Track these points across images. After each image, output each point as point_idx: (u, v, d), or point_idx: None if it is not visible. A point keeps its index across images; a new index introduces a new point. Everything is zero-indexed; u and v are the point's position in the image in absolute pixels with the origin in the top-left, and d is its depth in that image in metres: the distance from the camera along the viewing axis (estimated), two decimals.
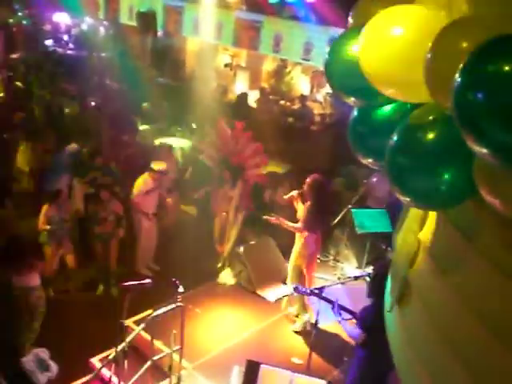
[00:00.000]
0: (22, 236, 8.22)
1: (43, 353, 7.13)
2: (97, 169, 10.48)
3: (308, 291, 7.02)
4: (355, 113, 3.64)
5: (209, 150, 10.60)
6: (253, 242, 9.99)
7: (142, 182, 10.00)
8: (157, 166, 10.10)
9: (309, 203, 8.22)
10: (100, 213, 9.33)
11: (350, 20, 3.81)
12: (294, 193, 8.51)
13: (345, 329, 6.15)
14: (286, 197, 8.66)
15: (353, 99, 3.53)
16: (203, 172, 10.93)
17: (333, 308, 6.23)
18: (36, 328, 7.86)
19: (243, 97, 15.96)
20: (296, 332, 8.57)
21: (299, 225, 8.26)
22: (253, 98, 16.40)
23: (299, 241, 8.40)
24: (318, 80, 16.52)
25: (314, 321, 6.90)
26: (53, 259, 9.18)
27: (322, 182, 8.37)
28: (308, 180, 8.30)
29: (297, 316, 8.72)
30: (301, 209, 8.40)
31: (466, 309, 3.01)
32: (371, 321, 5.74)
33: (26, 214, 10.28)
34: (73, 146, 11.41)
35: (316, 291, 6.84)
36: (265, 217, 8.71)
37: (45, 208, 9.11)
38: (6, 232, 9.43)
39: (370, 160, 3.62)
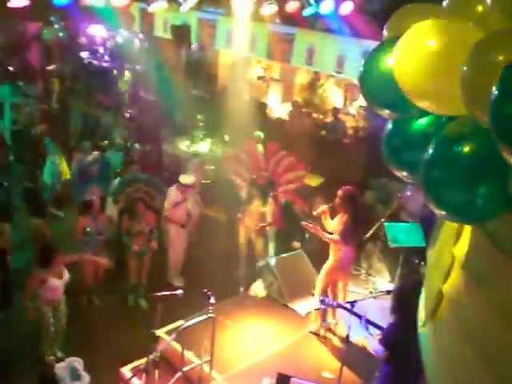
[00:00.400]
0: (52, 246, 8.32)
1: (77, 362, 7.22)
2: (137, 180, 10.50)
3: (335, 304, 6.96)
4: (389, 126, 3.62)
5: (237, 167, 10.68)
6: (285, 255, 9.97)
7: (171, 194, 10.13)
8: (184, 179, 10.25)
9: (345, 216, 8.16)
10: (135, 226, 9.39)
11: (385, 33, 3.81)
12: (325, 207, 8.46)
13: (371, 344, 6.10)
14: (316, 212, 8.59)
15: (387, 112, 3.52)
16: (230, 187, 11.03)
17: (361, 322, 6.17)
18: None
19: (261, 107, 16.03)
20: (311, 332, 8.61)
21: (336, 237, 8.22)
22: (285, 111, 16.43)
23: (334, 253, 8.35)
24: (350, 93, 16.47)
25: (345, 335, 6.85)
26: (88, 270, 9.27)
27: (354, 193, 8.32)
28: (340, 192, 8.24)
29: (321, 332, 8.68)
30: (330, 223, 8.36)
31: (503, 324, 2.97)
32: (394, 338, 5.68)
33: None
34: (94, 154, 11.50)
35: (342, 304, 6.77)
36: (304, 223, 8.65)
37: (80, 219, 9.23)
38: (41, 241, 9.57)
39: (405, 173, 3.60)
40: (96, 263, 9.26)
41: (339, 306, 6.77)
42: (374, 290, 10.00)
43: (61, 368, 7.42)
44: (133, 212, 9.43)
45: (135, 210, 9.40)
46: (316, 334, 8.64)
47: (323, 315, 8.60)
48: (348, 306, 6.73)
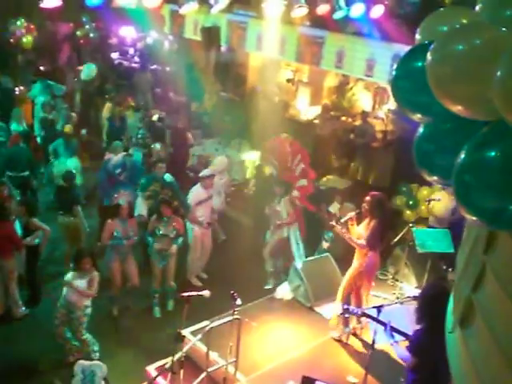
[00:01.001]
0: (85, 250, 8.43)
1: (99, 368, 7.31)
2: (157, 180, 10.56)
3: (359, 312, 6.92)
4: (421, 130, 3.59)
5: (270, 163, 10.76)
6: (311, 258, 9.95)
7: (194, 192, 10.19)
8: (204, 172, 10.37)
9: (372, 222, 8.13)
10: (161, 228, 9.44)
11: (417, 36, 3.78)
12: (352, 214, 8.41)
13: (397, 351, 6.05)
14: (343, 220, 8.49)
15: (419, 116, 3.49)
16: (266, 185, 11.05)
17: (385, 330, 6.12)
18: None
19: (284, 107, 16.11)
20: (335, 339, 8.57)
21: (363, 242, 8.17)
22: (314, 114, 16.40)
23: (360, 258, 8.29)
24: (380, 96, 16.37)
25: (370, 340, 6.81)
26: (117, 275, 9.33)
27: (382, 199, 8.28)
28: (367, 198, 8.21)
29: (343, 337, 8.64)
30: (356, 229, 8.30)
31: None
32: (422, 345, 5.62)
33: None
34: (120, 156, 11.56)
35: (367, 312, 6.71)
36: (331, 223, 8.62)
37: (108, 223, 9.29)
38: (76, 241, 9.66)
39: (436, 178, 3.57)
40: (124, 266, 9.34)
41: (364, 314, 6.71)
42: (400, 296, 9.92)
43: (79, 366, 7.49)
44: (160, 214, 9.46)
45: (162, 212, 9.43)
46: (338, 340, 8.60)
47: (345, 321, 8.55)
48: (374, 310, 6.69)
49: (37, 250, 9.56)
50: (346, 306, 7.29)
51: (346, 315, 7.80)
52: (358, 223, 8.36)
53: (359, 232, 8.25)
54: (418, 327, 5.79)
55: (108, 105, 16.07)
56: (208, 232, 10.59)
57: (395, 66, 3.59)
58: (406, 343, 6.05)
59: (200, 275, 10.72)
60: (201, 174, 10.43)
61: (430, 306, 5.51)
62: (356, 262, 8.34)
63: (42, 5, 7.24)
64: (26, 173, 11.98)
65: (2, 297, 9.11)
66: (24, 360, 8.28)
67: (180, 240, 9.53)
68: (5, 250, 8.82)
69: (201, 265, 10.76)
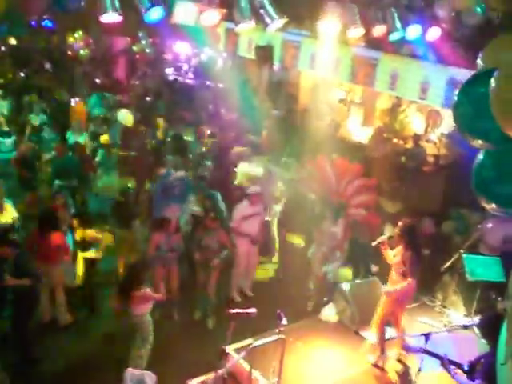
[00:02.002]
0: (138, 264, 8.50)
1: (149, 377, 7.33)
2: (207, 196, 10.61)
3: (421, 350, 6.76)
4: (481, 156, 3.52)
5: (311, 184, 10.70)
6: (359, 281, 9.84)
7: (239, 208, 10.20)
8: (251, 189, 10.36)
9: (404, 249, 8.03)
10: (206, 239, 9.47)
11: (479, 62, 3.72)
12: (384, 238, 8.33)
13: (460, 382, 5.92)
14: (374, 243, 8.46)
15: (480, 142, 3.43)
16: (301, 205, 11.03)
17: (441, 363, 5.99)
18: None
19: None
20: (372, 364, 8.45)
21: (402, 268, 8.06)
22: (365, 135, 16.32)
23: (394, 285, 8.20)
24: (433, 119, 16.18)
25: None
26: (161, 285, 9.38)
27: (413, 227, 8.16)
28: (399, 224, 8.13)
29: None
30: (390, 254, 8.25)
31: None
32: (494, 370, 5.47)
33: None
34: (178, 174, 11.68)
35: (427, 349, 6.53)
36: (374, 243, 8.54)
37: (153, 236, 9.38)
38: (131, 253, 9.75)
39: (494, 206, 3.49)
40: (168, 277, 9.40)
41: (424, 351, 6.53)
42: (448, 324, 9.72)
43: (130, 374, 7.54)
44: (205, 226, 9.51)
45: (207, 224, 9.48)
46: (376, 365, 8.47)
47: (382, 347, 8.44)
48: (422, 338, 6.57)
49: (94, 262, 9.67)
50: (406, 345, 7.18)
51: (407, 352, 7.69)
52: (392, 248, 8.29)
53: (392, 257, 8.20)
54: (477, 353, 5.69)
55: (160, 121, 16.31)
56: (254, 248, 10.58)
57: (457, 92, 3.53)
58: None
59: (246, 292, 10.70)
60: (248, 191, 10.44)
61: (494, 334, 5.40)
62: (391, 289, 8.25)
63: (102, 19, 7.34)
64: (75, 182, 12.18)
65: (48, 305, 9.24)
66: (69, 368, 8.36)
67: (224, 253, 9.56)
68: (54, 258, 8.96)
69: (246, 281, 10.75)
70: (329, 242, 10.04)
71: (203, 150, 14.24)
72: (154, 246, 9.26)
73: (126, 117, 14.31)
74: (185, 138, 14.81)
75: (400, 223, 8.13)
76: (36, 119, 14.91)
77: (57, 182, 12.02)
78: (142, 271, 7.96)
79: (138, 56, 22.89)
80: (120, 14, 7.30)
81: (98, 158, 13.10)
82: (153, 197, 11.76)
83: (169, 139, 14.78)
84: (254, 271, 10.74)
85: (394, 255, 8.20)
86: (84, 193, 12.69)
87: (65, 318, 9.34)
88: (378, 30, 10.63)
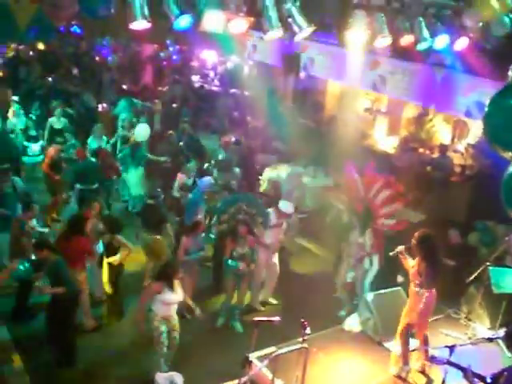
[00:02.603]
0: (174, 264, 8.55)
1: (178, 377, 7.38)
2: (237, 200, 10.59)
3: (445, 361, 6.70)
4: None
5: (338, 193, 10.68)
6: (383, 291, 9.76)
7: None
8: (284, 206, 10.33)
9: (420, 259, 7.99)
10: (238, 249, 9.47)
11: (511, 73, 3.70)
12: (401, 248, 8.27)
13: None
14: (392, 253, 8.42)
15: (511, 154, 3.40)
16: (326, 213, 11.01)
17: (465, 375, 5.94)
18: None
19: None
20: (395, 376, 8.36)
21: (419, 279, 8.02)
22: (391, 144, 16.26)
23: (414, 297, 8.14)
24: (459, 129, 16.07)
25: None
26: (188, 289, 9.42)
27: (429, 237, 8.07)
28: (415, 235, 8.06)
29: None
30: (409, 263, 8.21)
31: None
32: None
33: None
34: (208, 178, 11.75)
35: (453, 362, 6.46)
36: (392, 253, 8.51)
37: (184, 240, 9.44)
38: (160, 257, 9.79)
39: None
40: (186, 278, 9.42)
41: (449, 363, 6.47)
42: (472, 336, 9.60)
43: (161, 378, 7.60)
44: (236, 235, 9.51)
45: (238, 232, 9.48)
46: (399, 376, 8.39)
47: (405, 359, 8.36)
48: (446, 350, 6.51)
49: (120, 268, 9.74)
50: (432, 355, 7.12)
51: (432, 363, 7.63)
52: (412, 258, 8.25)
53: (411, 266, 8.16)
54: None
55: (183, 126, 16.43)
56: (275, 257, 10.58)
57: (487, 103, 3.51)
58: None
59: (268, 300, 10.70)
60: (281, 207, 10.43)
61: None
62: (410, 301, 8.20)
63: (132, 26, 7.41)
64: (95, 186, 12.30)
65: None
66: (94, 371, 8.45)
67: (255, 256, 9.64)
68: (79, 263, 9.03)
69: (268, 290, 10.75)
70: (356, 252, 10.00)
71: (227, 156, 14.28)
72: (183, 251, 9.36)
73: (142, 131, 14.42)
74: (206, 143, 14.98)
75: (416, 234, 8.07)
76: (58, 123, 15.09)
77: (78, 185, 12.15)
78: (173, 274, 8.01)
79: (165, 63, 23.06)
80: (149, 22, 7.37)
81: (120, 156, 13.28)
82: (183, 202, 11.83)
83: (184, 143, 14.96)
84: (275, 280, 10.73)
85: (412, 266, 8.15)
86: (108, 197, 12.82)
87: (90, 323, 9.41)
88: (406, 40, 10.56)
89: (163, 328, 8.01)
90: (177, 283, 8.10)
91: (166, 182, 13.38)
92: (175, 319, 8.19)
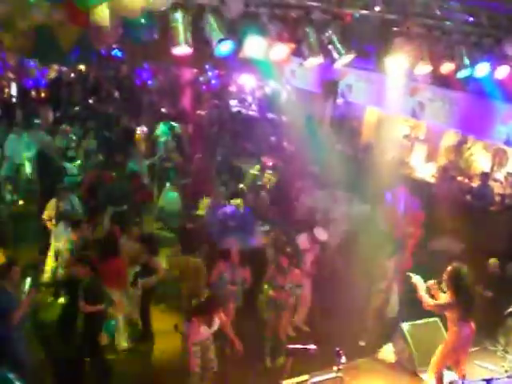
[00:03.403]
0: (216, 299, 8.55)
1: None
2: (274, 224, 10.56)
3: None
4: None
5: (378, 218, 10.64)
6: (419, 322, 9.60)
7: (299, 241, 10.18)
8: (318, 233, 10.30)
9: (455, 298, 7.85)
10: (278, 279, 9.36)
11: None
12: (431, 282, 8.16)
13: None
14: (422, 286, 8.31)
15: None
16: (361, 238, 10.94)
17: None
18: None
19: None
20: None
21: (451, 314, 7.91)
22: (429, 172, 16.14)
23: (450, 330, 8.02)
24: (499, 158, 15.89)
25: None
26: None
27: (459, 271, 7.93)
28: (447, 270, 7.94)
29: None
30: (441, 297, 8.06)
31: None
32: None
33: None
34: (237, 202, 11.74)
35: None
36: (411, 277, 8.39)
37: (218, 264, 9.42)
38: (200, 280, 9.80)
39: None
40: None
41: None
42: (510, 369, 9.38)
43: None
44: (279, 265, 9.45)
45: (279, 262, 9.42)
46: None
47: None
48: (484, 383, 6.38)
49: (152, 289, 9.76)
50: (461, 381, 7.00)
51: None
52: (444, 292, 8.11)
53: (444, 301, 8.01)
54: None
55: (219, 149, 16.58)
56: (308, 282, 10.51)
57: None
58: None
59: (300, 327, 10.61)
60: (316, 234, 10.41)
61: None
62: (448, 335, 8.05)
63: (174, 51, 7.51)
64: (125, 207, 12.39)
65: None
66: None
67: (299, 291, 9.49)
68: (114, 283, 9.09)
69: (301, 315, 10.66)
70: (390, 276, 9.91)
71: (264, 181, 14.31)
72: (216, 275, 9.35)
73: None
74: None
75: (448, 267, 7.97)
76: (92, 144, 15.33)
77: (109, 207, 12.26)
78: (214, 309, 8.01)
79: (204, 87, 23.30)
80: (191, 47, 7.45)
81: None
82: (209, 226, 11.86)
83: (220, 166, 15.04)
84: (308, 304, 10.65)
85: (445, 300, 8.02)
86: (139, 219, 12.91)
87: (122, 344, 9.43)
88: (447, 67, 10.49)
89: (196, 349, 7.97)
90: (215, 318, 8.06)
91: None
92: (210, 342, 8.15)
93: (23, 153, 14.54)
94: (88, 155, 15.13)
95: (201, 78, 23.43)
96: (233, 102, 23.62)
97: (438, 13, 9.82)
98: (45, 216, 11.19)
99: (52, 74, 22.82)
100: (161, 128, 17.13)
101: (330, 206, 13.19)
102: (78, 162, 14.87)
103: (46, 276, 10.76)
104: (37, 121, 17.14)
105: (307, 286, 10.50)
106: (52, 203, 11.15)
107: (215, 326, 8.05)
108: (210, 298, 8.40)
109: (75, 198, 11.53)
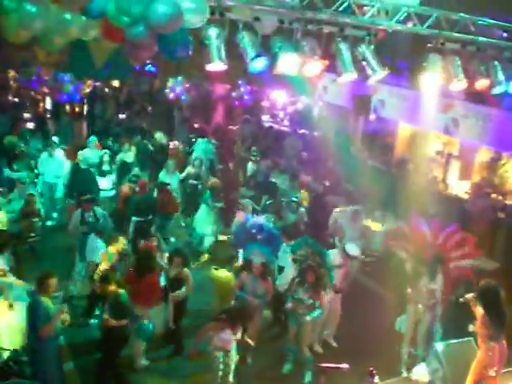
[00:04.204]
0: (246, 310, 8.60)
1: None
2: (308, 245, 10.49)
3: None
4: None
5: (401, 241, 10.50)
6: (454, 341, 9.43)
7: (330, 256, 10.10)
8: (350, 248, 10.27)
9: (486, 316, 7.76)
10: (300, 293, 9.33)
11: None
12: (470, 295, 8.04)
13: None
14: (461, 299, 8.20)
15: None
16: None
17: None
18: None
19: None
20: None
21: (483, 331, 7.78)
22: (463, 189, 15.96)
23: (482, 349, 7.90)
24: None
25: None
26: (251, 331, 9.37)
27: (489, 288, 7.84)
28: (479, 285, 7.84)
29: None
30: (479, 312, 7.93)
31: None
32: None
33: None
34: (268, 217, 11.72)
35: None
36: (461, 299, 8.29)
37: (241, 275, 9.47)
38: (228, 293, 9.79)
39: None
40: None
41: None
42: None
43: None
44: (303, 279, 9.41)
45: (305, 277, 9.38)
46: None
47: None
48: None
49: (184, 303, 9.78)
50: None
51: None
52: None
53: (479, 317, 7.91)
54: None
55: (251, 165, 16.59)
56: (337, 298, 10.44)
57: None
58: None
59: (329, 342, 10.52)
60: (347, 249, 10.39)
61: None
62: (479, 354, 7.92)
63: (208, 68, 7.56)
64: (150, 218, 12.53)
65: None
66: None
67: (316, 313, 9.38)
68: (146, 299, 9.08)
69: (330, 331, 10.57)
70: (427, 299, 9.74)
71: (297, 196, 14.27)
72: (238, 286, 9.42)
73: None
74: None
75: (479, 285, 7.87)
76: (127, 157, 15.47)
77: (134, 217, 12.39)
78: (244, 320, 8.14)
79: (236, 102, 23.41)
80: (225, 64, 7.50)
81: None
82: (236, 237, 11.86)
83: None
84: (337, 321, 10.56)
85: (478, 316, 7.90)
86: (166, 232, 12.96)
87: (139, 362, 9.41)
88: (481, 83, 10.39)
89: (220, 358, 8.06)
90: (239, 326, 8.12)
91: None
92: (233, 349, 8.20)
93: (56, 172, 14.71)
94: (123, 169, 15.22)
95: (233, 94, 23.52)
96: (265, 117, 23.67)
97: (473, 29, 9.73)
98: (69, 227, 11.44)
99: (86, 89, 23.11)
100: (199, 145, 17.17)
101: (358, 221, 13.11)
102: (113, 176, 14.97)
103: (77, 289, 10.86)
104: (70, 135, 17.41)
105: (337, 301, 10.41)
106: (77, 215, 11.31)
107: (238, 334, 8.12)
108: (235, 308, 8.52)
109: (99, 209, 11.60)
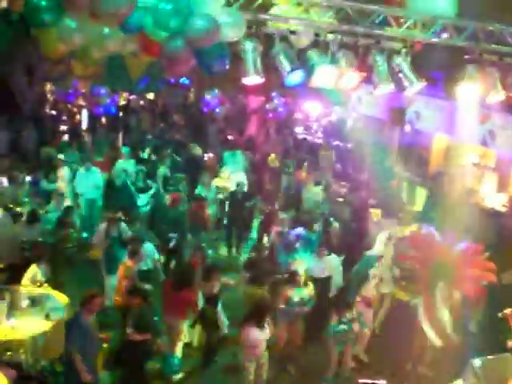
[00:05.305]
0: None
1: None
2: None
3: None
4: None
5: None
6: (491, 357, 9.26)
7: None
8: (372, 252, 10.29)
9: None
10: (340, 312, 9.28)
11: None
12: (509, 311, 8.00)
13: None
14: (501, 314, 8.12)
15: None
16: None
17: None
18: None
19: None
20: None
21: None
22: (500, 202, 15.73)
23: None
24: None
25: None
26: (281, 338, 9.33)
27: None
28: None
29: None
30: None
31: None
32: None
33: None
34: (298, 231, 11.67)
35: None
36: (500, 314, 8.29)
37: (285, 288, 9.39)
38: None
39: None
40: (290, 329, 9.31)
41: None
42: None
43: None
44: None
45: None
46: None
47: None
48: None
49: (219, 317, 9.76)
50: None
51: None
52: None
53: None
54: None
55: (284, 177, 16.58)
56: (369, 311, 10.33)
57: None
58: None
59: (360, 357, 10.40)
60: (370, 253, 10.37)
61: None
62: None
63: (244, 81, 7.61)
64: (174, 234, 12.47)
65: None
66: None
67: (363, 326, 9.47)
68: (182, 313, 9.13)
69: (360, 346, 10.47)
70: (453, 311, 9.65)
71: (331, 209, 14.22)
72: (283, 300, 9.30)
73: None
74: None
75: None
76: (166, 171, 15.55)
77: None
78: (266, 310, 8.30)
79: (270, 115, 23.45)
80: (262, 77, 7.53)
81: None
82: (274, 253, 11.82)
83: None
84: (368, 335, 10.45)
85: None
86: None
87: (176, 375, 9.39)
88: None
89: (251, 369, 8.16)
90: (267, 321, 8.13)
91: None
92: (264, 358, 8.24)
93: (94, 187, 14.58)
94: (164, 182, 15.28)
95: (267, 106, 23.56)
96: (298, 129, 23.65)
97: (510, 40, 9.61)
98: (94, 241, 11.68)
99: (122, 102, 23.36)
100: (235, 157, 17.20)
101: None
102: (152, 191, 14.89)
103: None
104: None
105: (368, 314, 10.31)
106: (101, 228, 11.41)
107: (267, 332, 8.17)
108: (260, 300, 8.65)
109: (122, 224, 11.63)
